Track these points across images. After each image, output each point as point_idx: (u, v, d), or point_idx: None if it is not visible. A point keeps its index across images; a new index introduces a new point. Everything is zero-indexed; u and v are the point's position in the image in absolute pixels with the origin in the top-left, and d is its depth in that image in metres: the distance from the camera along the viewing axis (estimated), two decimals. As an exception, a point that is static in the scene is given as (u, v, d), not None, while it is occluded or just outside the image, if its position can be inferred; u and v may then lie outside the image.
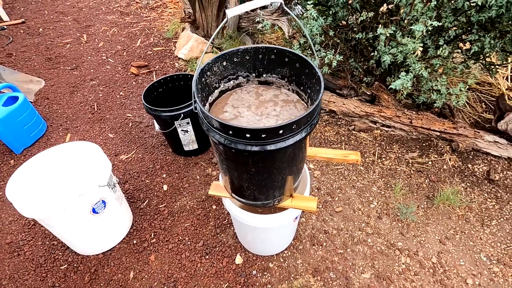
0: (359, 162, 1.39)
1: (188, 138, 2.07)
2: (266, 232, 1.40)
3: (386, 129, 2.24)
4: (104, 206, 1.52)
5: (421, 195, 1.88)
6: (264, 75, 1.18)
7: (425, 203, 1.85)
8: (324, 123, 2.37)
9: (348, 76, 2.29)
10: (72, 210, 1.37)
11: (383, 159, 2.10)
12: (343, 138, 2.26)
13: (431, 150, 2.10)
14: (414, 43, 1.53)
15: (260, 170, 0.99)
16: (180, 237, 1.76)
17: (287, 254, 1.66)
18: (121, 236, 1.74)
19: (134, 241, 1.75)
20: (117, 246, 1.72)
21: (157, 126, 2.09)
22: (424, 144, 2.14)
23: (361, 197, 1.90)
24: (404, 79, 1.62)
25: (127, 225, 1.76)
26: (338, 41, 2.13)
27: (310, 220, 1.81)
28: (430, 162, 2.04)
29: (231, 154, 0.96)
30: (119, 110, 2.68)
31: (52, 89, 2.95)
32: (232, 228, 1.78)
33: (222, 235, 1.76)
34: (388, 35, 1.67)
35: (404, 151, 2.13)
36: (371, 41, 1.97)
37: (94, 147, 1.56)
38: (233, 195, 1.25)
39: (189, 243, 1.73)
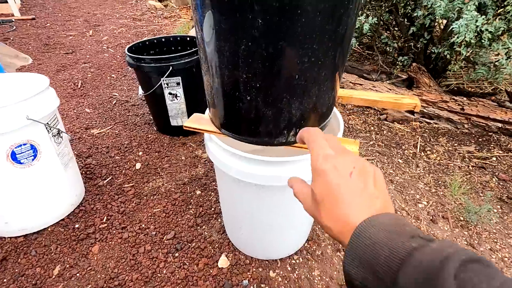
0: (418, 108, 0.92)
1: (176, 107, 1.63)
2: (268, 205, 0.87)
3: (428, 120, 1.77)
4: (34, 156, 1.03)
5: (491, 196, 1.34)
6: None
7: (498, 206, 1.29)
8: (347, 112, 1.92)
9: (379, 56, 1.90)
10: (-26, 145, 0.89)
11: (428, 152, 1.59)
12: (372, 128, 1.79)
13: (492, 145, 1.59)
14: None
15: (271, 28, 0.53)
16: (143, 225, 1.21)
17: (297, 261, 1.09)
18: (59, 214, 1.21)
19: (76, 225, 1.21)
20: (49, 229, 1.18)
21: (140, 91, 1.67)
22: (480, 140, 1.64)
23: (404, 194, 1.36)
24: (469, 15, 1.19)
25: (70, 200, 1.24)
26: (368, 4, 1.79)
27: (332, 218, 1.25)
28: (494, 158, 1.52)
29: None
30: (106, 89, 2.30)
31: (38, 67, 2.63)
32: (219, 220, 1.23)
33: (204, 227, 1.21)
34: (441, -23, 1.31)
35: (456, 144, 1.62)
36: (411, 2, 1.61)
37: (41, 78, 1.12)
38: (224, 130, 0.77)
39: (153, 233, 1.18)
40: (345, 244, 0.33)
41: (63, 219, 1.22)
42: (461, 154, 1.55)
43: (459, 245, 0.28)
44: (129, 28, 3.83)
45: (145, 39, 1.73)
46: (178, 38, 1.80)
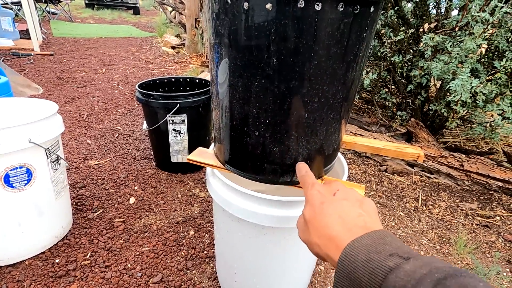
0: (422, 158, 0.92)
1: (178, 143, 1.63)
2: (267, 249, 0.82)
3: (428, 175, 1.77)
4: (27, 181, 1.00)
5: (498, 257, 1.27)
6: None
7: (508, 269, 1.22)
8: (347, 161, 1.93)
9: (378, 110, 1.98)
10: (-31, 164, 0.86)
11: (430, 207, 1.56)
12: (372, 178, 1.78)
13: (494, 204, 1.57)
14: (473, 40, 1.26)
15: (285, 68, 0.55)
16: (129, 265, 1.12)
17: (294, 317, 0.98)
18: (40, 247, 1.12)
19: (57, 260, 1.11)
20: (26, 262, 1.09)
21: (145, 125, 1.69)
22: (482, 198, 1.62)
23: (407, 250, 1.29)
24: (465, 76, 1.27)
25: (55, 232, 1.17)
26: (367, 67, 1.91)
27: (331, 271, 1.18)
28: (498, 218, 1.48)
29: (240, 23, 0.55)
30: (110, 123, 2.34)
31: (48, 98, 2.70)
32: (211, 265, 1.15)
33: (194, 271, 1.12)
34: (437, 43, 1.42)
35: (457, 200, 1.60)
36: (408, 64, 1.73)
37: (50, 104, 1.14)
38: (228, 165, 0.76)
39: (139, 275, 1.08)
40: (332, 260, 0.34)
41: (43, 252, 1.13)
42: (463, 211, 1.52)
43: (438, 260, 0.26)
44: (141, 69, 4.04)
45: (155, 77, 1.82)
46: (188, 79, 1.88)
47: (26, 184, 1.00)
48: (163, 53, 5.20)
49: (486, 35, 1.36)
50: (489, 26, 1.28)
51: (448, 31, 1.47)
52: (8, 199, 0.97)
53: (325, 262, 1.19)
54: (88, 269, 1.09)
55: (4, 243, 1.03)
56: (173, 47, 5.56)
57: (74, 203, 1.41)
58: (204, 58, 4.69)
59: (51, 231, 1.14)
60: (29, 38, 4.42)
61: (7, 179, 0.95)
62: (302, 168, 0.55)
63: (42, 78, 3.24)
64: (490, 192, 1.64)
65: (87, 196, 1.48)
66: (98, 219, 1.34)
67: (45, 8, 7.51)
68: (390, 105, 1.93)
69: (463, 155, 1.70)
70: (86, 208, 1.40)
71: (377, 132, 1.96)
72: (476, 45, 1.25)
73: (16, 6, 6.11)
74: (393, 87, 2.08)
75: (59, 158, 1.11)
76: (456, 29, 1.41)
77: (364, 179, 1.76)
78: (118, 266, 1.11)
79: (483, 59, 1.53)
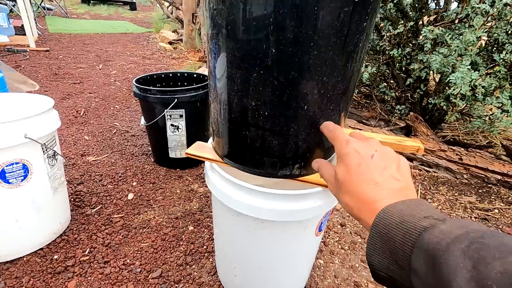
0: (422, 151, 0.91)
1: (177, 139, 1.62)
2: (266, 243, 0.82)
3: (427, 169, 1.77)
4: (24, 177, 0.99)
5: (497, 250, 1.28)
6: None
7: (506, 262, 1.23)
8: (346, 156, 1.93)
9: (377, 104, 1.97)
10: (-36, 160, 0.85)
11: (429, 200, 1.56)
12: (372, 172, 1.77)
13: (493, 197, 1.57)
14: (473, 32, 1.25)
15: (284, 58, 0.54)
16: (128, 260, 1.12)
17: (294, 311, 0.98)
18: (39, 243, 1.12)
19: (55, 256, 1.11)
20: (24, 258, 1.08)
21: (142, 121, 1.68)
22: (481, 191, 1.63)
23: (407, 243, 1.30)
24: (465, 68, 1.26)
25: (53, 228, 1.16)
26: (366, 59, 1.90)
27: (331, 265, 1.18)
28: (496, 210, 1.49)
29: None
30: (107, 119, 2.32)
31: (44, 94, 2.68)
32: (211, 260, 1.15)
33: (193, 266, 1.12)
34: (436, 36, 1.41)
35: (456, 194, 1.60)
36: (407, 57, 1.72)
37: (45, 99, 1.13)
38: (227, 159, 0.75)
39: (138, 270, 1.08)
40: (366, 223, 0.33)
41: (41, 249, 1.12)
42: (462, 204, 1.52)
43: (476, 223, 0.26)
44: (138, 65, 4.01)
45: (153, 73, 1.80)
46: (185, 74, 1.87)
47: (22, 180, 0.98)
48: (160, 49, 5.16)
49: (486, 28, 1.35)
50: (489, 18, 1.27)
51: (447, 24, 1.46)
52: (5, 195, 0.96)
53: (323, 256, 1.19)
54: (87, 265, 1.08)
55: (2, 240, 1.02)
56: (170, 43, 5.51)
57: (72, 199, 1.40)
58: (201, 53, 4.66)
59: (49, 227, 1.14)
60: (24, 34, 4.37)
61: (3, 175, 0.93)
62: (328, 124, 0.54)
63: (38, 74, 3.21)
64: (489, 185, 1.64)
65: (85, 192, 1.47)
66: (96, 215, 1.33)
67: (40, 4, 7.42)
68: (389, 99, 1.92)
69: (462, 149, 1.70)
70: (84, 204, 1.39)
71: (376, 127, 1.96)
72: (476, 37, 1.25)
73: (11, 2, 6.03)
74: (392, 81, 2.07)
75: (56, 153, 1.10)
76: (456, 21, 1.40)
77: (363, 173, 1.76)
78: (117, 262, 1.11)
79: (482, 52, 1.52)
